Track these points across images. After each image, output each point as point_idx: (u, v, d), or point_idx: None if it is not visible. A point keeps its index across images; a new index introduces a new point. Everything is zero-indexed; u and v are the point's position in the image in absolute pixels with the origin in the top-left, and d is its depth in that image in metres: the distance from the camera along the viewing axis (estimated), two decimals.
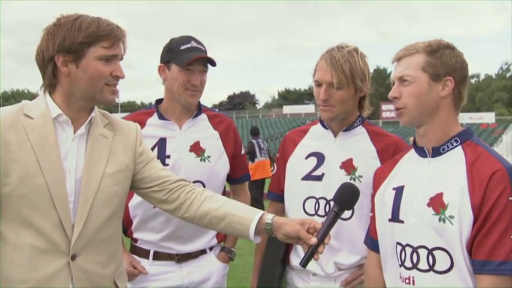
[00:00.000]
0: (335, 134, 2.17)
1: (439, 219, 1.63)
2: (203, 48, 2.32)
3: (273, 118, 55.21)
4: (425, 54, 1.71)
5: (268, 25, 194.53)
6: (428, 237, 1.66)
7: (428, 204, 1.67)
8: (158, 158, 1.99)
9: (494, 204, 1.55)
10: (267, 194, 2.44)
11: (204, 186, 2.24)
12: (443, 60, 1.70)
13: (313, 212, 2.12)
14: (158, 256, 2.37)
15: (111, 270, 1.76)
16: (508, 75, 72.19)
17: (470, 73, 1.78)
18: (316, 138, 2.23)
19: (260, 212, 1.79)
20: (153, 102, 2.46)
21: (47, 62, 1.66)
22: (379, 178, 1.92)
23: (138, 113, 2.47)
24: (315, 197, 2.12)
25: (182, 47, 2.26)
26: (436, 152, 1.73)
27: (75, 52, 1.63)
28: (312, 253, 1.68)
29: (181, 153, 2.34)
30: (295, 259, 2.19)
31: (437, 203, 1.65)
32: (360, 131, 2.17)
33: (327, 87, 2.02)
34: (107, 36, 1.65)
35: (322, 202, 2.11)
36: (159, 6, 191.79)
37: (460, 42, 1.78)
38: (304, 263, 1.70)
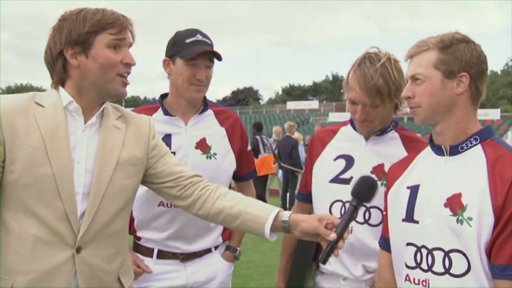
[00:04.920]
0: (366, 138, 2.10)
1: (457, 221, 1.56)
2: (209, 42, 2.25)
3: (276, 114, 55.13)
4: (438, 51, 1.62)
5: (268, 19, 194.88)
6: (444, 238, 1.60)
7: (446, 205, 1.60)
8: None
9: None
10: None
11: None
12: (456, 55, 1.61)
13: (339, 216, 2.04)
14: (162, 255, 2.33)
15: (115, 265, 1.73)
16: None
17: None
18: (346, 140, 2.15)
19: (276, 209, 1.76)
20: (157, 97, 2.40)
21: (56, 58, 1.65)
22: (392, 175, 1.86)
23: (142, 108, 2.40)
24: (341, 201, 2.06)
25: (187, 40, 2.20)
26: (455, 150, 1.67)
27: (82, 43, 1.62)
28: (331, 249, 1.64)
29: (187, 150, 2.29)
30: None
31: (455, 204, 1.58)
32: (393, 136, 2.10)
33: (363, 107, 1.95)
34: (112, 23, 1.64)
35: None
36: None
37: None
38: (324, 259, 1.65)
